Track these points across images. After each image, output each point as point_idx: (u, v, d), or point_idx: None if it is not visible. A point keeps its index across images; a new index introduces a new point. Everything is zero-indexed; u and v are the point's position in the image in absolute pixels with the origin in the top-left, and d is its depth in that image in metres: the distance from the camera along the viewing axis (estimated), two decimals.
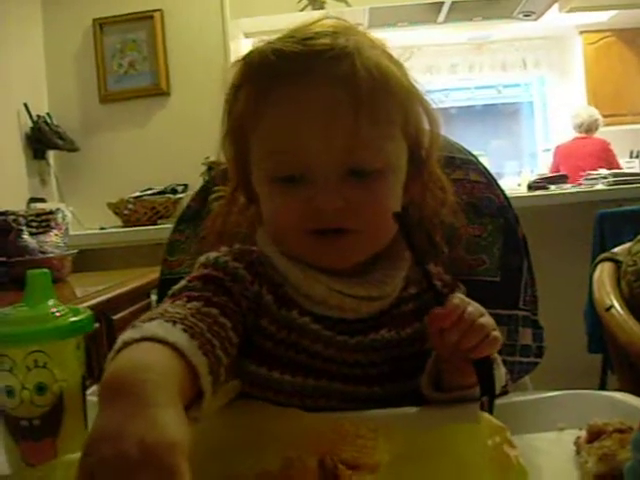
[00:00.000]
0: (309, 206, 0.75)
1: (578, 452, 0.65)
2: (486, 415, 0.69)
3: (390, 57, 0.81)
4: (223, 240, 0.87)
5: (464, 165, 1.03)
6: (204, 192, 1.12)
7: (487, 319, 0.74)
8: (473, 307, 0.74)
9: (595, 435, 0.64)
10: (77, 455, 0.47)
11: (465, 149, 1.07)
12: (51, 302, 0.73)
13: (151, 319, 0.64)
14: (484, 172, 1.04)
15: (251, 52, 0.81)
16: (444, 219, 0.87)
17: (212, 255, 0.81)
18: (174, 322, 0.64)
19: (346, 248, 0.78)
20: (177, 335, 0.61)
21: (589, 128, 5.21)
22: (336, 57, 0.75)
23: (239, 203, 0.89)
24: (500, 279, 0.98)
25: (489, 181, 1.03)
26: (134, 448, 0.45)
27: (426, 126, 0.83)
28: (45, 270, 0.75)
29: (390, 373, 0.81)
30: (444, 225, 0.89)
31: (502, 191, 1.04)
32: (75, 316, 0.73)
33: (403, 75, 0.81)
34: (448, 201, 0.87)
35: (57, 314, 0.72)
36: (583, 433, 0.66)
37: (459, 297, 0.75)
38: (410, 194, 0.84)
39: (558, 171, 4.86)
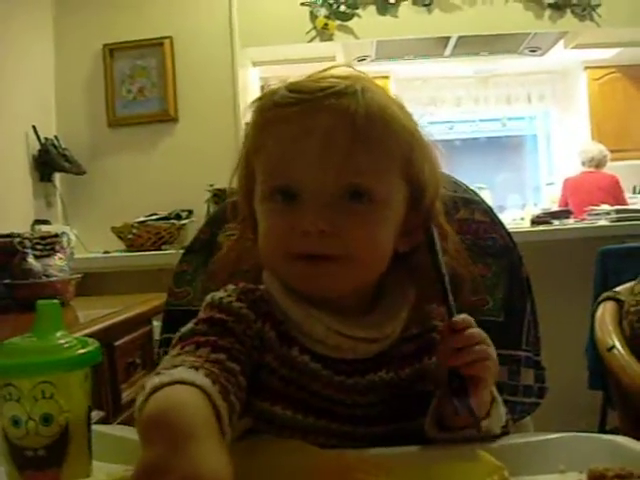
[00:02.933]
0: (297, 228, 0.77)
1: None
2: (486, 454, 0.69)
3: (398, 103, 0.83)
4: (233, 277, 0.89)
5: (469, 205, 1.04)
6: (212, 222, 1.14)
7: (490, 348, 0.76)
8: (480, 331, 0.77)
9: (595, 479, 0.64)
10: None
11: (470, 188, 1.08)
12: (59, 334, 0.74)
13: (174, 366, 0.67)
14: (489, 212, 1.05)
15: (266, 90, 0.85)
16: (446, 265, 0.88)
17: (217, 295, 0.83)
18: (196, 368, 0.66)
19: (333, 275, 0.78)
20: (202, 379, 0.63)
21: (599, 163, 5.25)
22: (340, 92, 0.78)
23: (248, 240, 0.90)
24: (503, 319, 0.99)
25: (493, 221, 1.05)
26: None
27: (428, 173, 0.84)
28: (55, 301, 0.76)
29: (389, 414, 0.82)
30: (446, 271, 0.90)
31: (506, 231, 1.05)
32: (83, 348, 0.74)
33: (407, 118, 0.82)
34: (449, 248, 0.87)
35: (65, 345, 0.73)
36: (584, 477, 0.66)
37: (468, 316, 0.77)
38: (413, 239, 0.85)
39: (566, 204, 4.88)
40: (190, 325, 0.79)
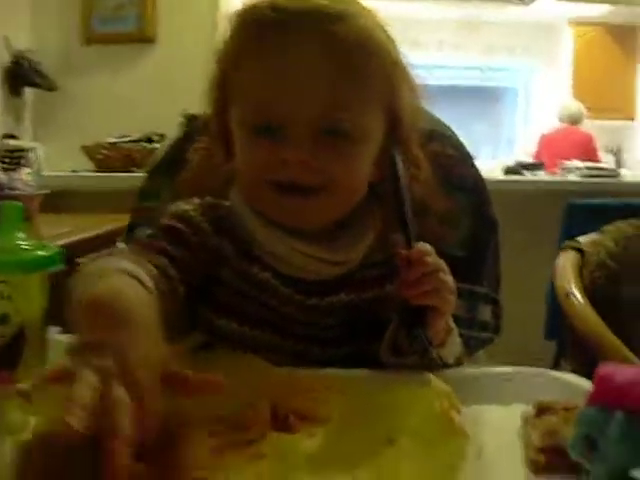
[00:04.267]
0: (277, 156, 0.76)
1: (524, 426, 0.67)
2: (435, 379, 0.71)
3: (385, 30, 0.82)
4: (199, 193, 0.88)
5: (442, 138, 1.04)
6: (180, 142, 1.12)
7: (447, 277, 0.77)
8: (437, 260, 0.77)
9: (542, 411, 0.65)
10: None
11: (443, 123, 1.08)
12: (20, 235, 0.74)
13: (110, 255, 0.71)
14: (460, 148, 1.05)
15: (247, 4, 0.81)
16: (415, 195, 0.88)
17: (181, 206, 0.84)
18: (137, 263, 0.69)
19: (311, 207, 0.79)
20: (138, 271, 0.66)
21: (575, 120, 5.28)
22: (329, 17, 0.76)
23: (219, 156, 0.89)
24: (465, 254, 1.00)
25: (464, 157, 1.05)
26: (111, 360, 0.51)
27: (408, 103, 0.83)
28: (19, 204, 0.75)
29: (346, 337, 0.83)
30: (415, 200, 0.90)
31: (476, 168, 1.06)
32: (43, 251, 0.74)
33: (393, 48, 0.81)
34: (421, 177, 0.88)
35: (25, 247, 0.73)
36: (531, 408, 0.68)
37: (427, 245, 0.77)
38: (385, 168, 0.84)
39: (540, 159, 4.91)
40: (148, 230, 0.81)
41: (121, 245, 2.20)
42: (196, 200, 0.85)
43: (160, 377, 0.54)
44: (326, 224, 0.82)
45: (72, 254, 1.96)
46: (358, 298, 0.83)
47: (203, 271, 0.80)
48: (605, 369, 0.53)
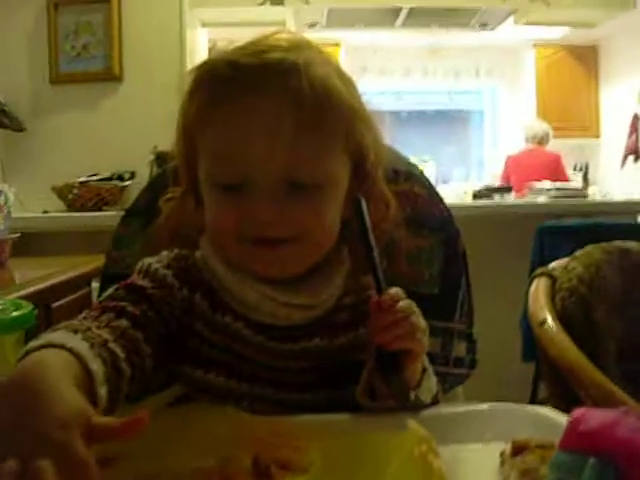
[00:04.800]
0: (243, 213, 0.77)
1: (502, 465, 0.68)
2: (414, 423, 0.71)
3: (340, 74, 0.83)
4: (174, 242, 0.88)
5: (409, 177, 1.05)
6: (153, 187, 1.13)
7: (419, 319, 0.77)
8: (409, 303, 0.77)
9: (519, 449, 0.66)
10: None
11: (410, 162, 1.09)
12: None
13: (55, 330, 0.67)
14: (428, 186, 1.07)
15: (206, 61, 0.83)
16: (384, 233, 0.89)
17: (147, 262, 0.83)
18: (75, 331, 0.66)
19: (284, 257, 0.79)
20: (76, 342, 0.63)
21: (541, 140, 5.34)
22: (285, 72, 0.77)
23: (190, 206, 0.89)
24: (438, 292, 1.01)
25: (432, 194, 1.06)
26: (31, 438, 0.50)
27: (370, 142, 0.84)
28: None
29: (321, 381, 0.83)
30: (384, 239, 0.90)
31: (444, 205, 1.07)
32: (17, 310, 0.74)
33: (349, 92, 0.82)
34: (390, 216, 0.89)
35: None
36: (508, 447, 0.69)
37: (399, 290, 0.78)
38: (351, 208, 0.85)
39: (509, 180, 4.96)
40: (111, 290, 0.79)
41: (96, 285, 2.19)
42: (164, 252, 0.85)
43: (84, 430, 0.52)
44: (297, 273, 0.82)
45: (47, 299, 1.96)
46: (331, 342, 0.84)
47: (174, 324, 0.79)
48: (577, 412, 0.53)
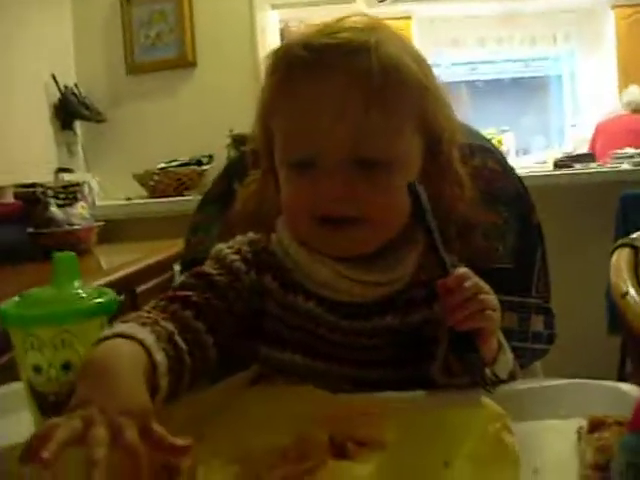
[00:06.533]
0: (315, 192, 0.79)
1: (579, 441, 0.67)
2: (489, 401, 0.71)
3: (413, 54, 0.83)
4: (252, 226, 0.90)
5: (483, 153, 1.04)
6: (228, 172, 1.15)
7: (488, 297, 0.75)
8: (476, 282, 0.75)
9: (595, 426, 0.65)
10: None
11: (484, 137, 1.08)
12: (77, 284, 0.77)
13: (125, 322, 0.71)
14: (501, 160, 1.05)
15: (282, 45, 0.86)
16: (460, 214, 0.88)
17: (218, 247, 0.86)
18: (143, 324, 0.70)
19: (353, 237, 0.80)
20: (145, 335, 0.68)
21: (637, 107, 5.11)
22: (355, 50, 0.78)
23: (269, 189, 0.91)
24: (514, 266, 0.99)
25: (505, 169, 1.05)
26: (96, 412, 0.55)
27: (444, 122, 0.84)
28: (71, 253, 0.78)
29: (396, 358, 0.84)
30: (459, 217, 0.90)
31: (519, 178, 1.05)
32: (100, 297, 0.76)
33: (422, 72, 0.82)
34: (465, 196, 0.88)
35: (83, 295, 0.76)
36: (585, 423, 0.68)
37: (466, 270, 0.77)
38: (429, 189, 0.84)
39: (595, 148, 4.79)
40: (183, 277, 0.83)
41: (177, 268, 2.24)
42: (238, 238, 0.87)
43: (140, 426, 0.56)
44: (367, 252, 0.83)
45: (132, 284, 2.03)
46: (405, 319, 0.84)
47: (241, 308, 0.81)
48: None
